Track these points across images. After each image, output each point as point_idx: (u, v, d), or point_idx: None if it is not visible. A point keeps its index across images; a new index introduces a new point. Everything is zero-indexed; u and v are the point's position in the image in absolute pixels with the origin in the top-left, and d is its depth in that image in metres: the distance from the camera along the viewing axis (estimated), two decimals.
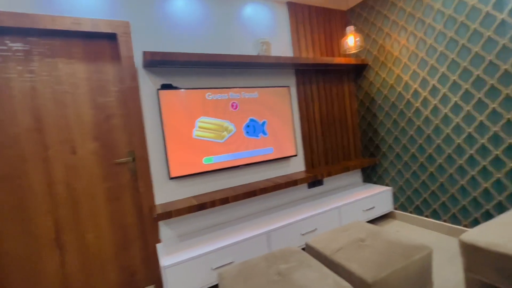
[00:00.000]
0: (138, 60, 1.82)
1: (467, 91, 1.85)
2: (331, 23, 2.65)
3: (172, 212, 1.65)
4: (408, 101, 2.24)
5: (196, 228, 1.98)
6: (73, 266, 1.67)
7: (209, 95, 1.96)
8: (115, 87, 1.80)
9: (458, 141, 1.94)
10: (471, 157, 1.89)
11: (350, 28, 2.45)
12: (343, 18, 2.73)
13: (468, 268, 1.19)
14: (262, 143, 2.18)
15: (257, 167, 2.25)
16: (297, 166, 2.46)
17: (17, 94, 1.56)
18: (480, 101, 1.79)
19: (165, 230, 1.87)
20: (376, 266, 1.11)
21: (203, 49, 2.04)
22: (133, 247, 1.83)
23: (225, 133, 2.03)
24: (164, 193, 1.88)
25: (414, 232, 2.23)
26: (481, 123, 1.80)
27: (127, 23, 1.77)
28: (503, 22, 1.63)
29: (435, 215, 2.19)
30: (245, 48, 2.21)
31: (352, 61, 2.49)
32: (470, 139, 1.88)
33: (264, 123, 2.19)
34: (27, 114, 1.58)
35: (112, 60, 1.80)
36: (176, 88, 1.86)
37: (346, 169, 2.41)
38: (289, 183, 2.07)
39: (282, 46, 2.39)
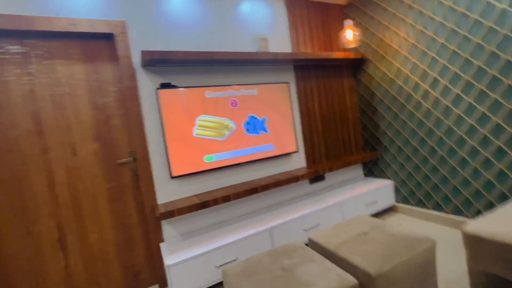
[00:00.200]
0: (136, 60, 1.81)
1: (468, 83, 1.84)
2: (329, 17, 2.63)
3: (175, 211, 1.65)
4: (409, 94, 2.23)
5: (199, 227, 1.98)
6: (77, 267, 1.67)
7: (209, 93, 1.96)
8: (114, 87, 1.80)
9: (460, 132, 1.93)
10: (473, 148, 1.88)
11: (348, 22, 2.44)
12: (341, 12, 2.71)
13: (472, 259, 1.19)
14: (263, 140, 2.18)
15: (258, 164, 2.25)
16: (298, 162, 2.46)
17: (16, 97, 1.56)
18: (481, 92, 1.78)
19: (168, 229, 1.87)
20: (380, 259, 1.11)
21: (201, 47, 2.03)
22: (136, 246, 1.84)
23: (225, 131, 2.02)
24: (166, 193, 1.88)
25: (417, 225, 2.23)
26: (483, 114, 1.79)
27: (124, 22, 1.76)
28: (504, 12, 1.61)
29: (437, 207, 2.19)
30: (244, 45, 2.20)
31: (351, 55, 2.47)
32: (471, 130, 1.87)
33: (264, 120, 2.19)
34: (26, 116, 1.58)
35: (110, 60, 1.79)
36: (175, 87, 1.86)
37: (348, 164, 2.41)
38: (291, 179, 2.07)
39: (280, 42, 2.37)
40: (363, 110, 2.71)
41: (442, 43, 1.93)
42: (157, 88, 1.79)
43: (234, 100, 2.05)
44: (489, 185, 1.84)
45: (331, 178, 2.63)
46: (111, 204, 1.77)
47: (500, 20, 1.63)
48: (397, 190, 2.51)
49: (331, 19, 2.64)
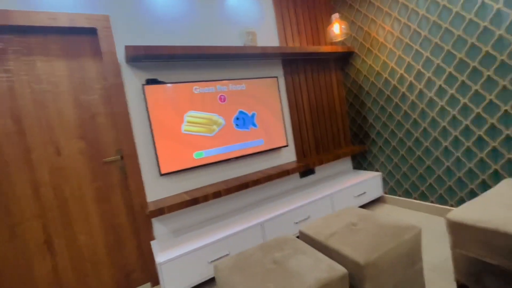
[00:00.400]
0: (121, 55, 1.76)
1: (450, 75, 1.89)
2: (316, 11, 2.63)
3: (165, 209, 1.64)
4: (395, 87, 2.27)
5: (190, 223, 1.98)
6: (65, 269, 1.64)
7: (196, 88, 1.93)
8: (98, 84, 1.75)
9: (443, 123, 1.99)
10: (455, 138, 1.94)
11: (335, 16, 2.45)
12: (328, 6, 2.71)
13: (455, 245, 1.24)
14: (253, 135, 2.18)
15: (248, 160, 2.25)
16: (289, 156, 2.48)
17: None
18: (463, 83, 1.83)
19: (159, 227, 1.86)
20: (368, 248, 1.13)
21: (187, 42, 1.99)
22: (127, 246, 1.82)
23: (214, 126, 2.01)
24: (156, 190, 1.86)
25: (404, 214, 2.30)
26: (464, 105, 1.85)
27: (107, 17, 1.71)
28: (483, 4, 1.65)
29: (423, 196, 2.26)
30: (231, 39, 2.18)
31: (339, 49, 2.49)
32: (454, 121, 1.93)
33: (253, 115, 2.19)
34: (5, 116, 1.52)
35: (93, 56, 1.74)
36: (162, 82, 1.82)
37: (337, 157, 2.44)
38: (281, 173, 2.08)
39: (268, 36, 2.36)
40: (351, 104, 2.75)
41: (425, 36, 1.97)
42: (143, 84, 1.75)
43: (223, 95, 2.04)
44: (470, 174, 1.91)
45: (321, 171, 2.66)
46: (99, 203, 1.74)
47: (480, 13, 1.67)
48: (384, 181, 2.57)
49: (318, 13, 2.65)
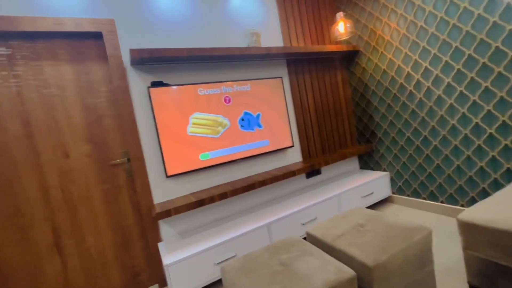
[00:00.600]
0: (127, 59, 1.78)
1: (459, 71, 1.84)
2: (320, 10, 2.61)
3: (171, 211, 1.64)
4: (402, 85, 2.24)
5: (197, 225, 1.98)
6: (75, 270, 1.66)
7: (201, 90, 1.94)
8: (104, 87, 1.77)
9: (453, 122, 1.95)
10: (465, 137, 1.90)
11: (340, 14, 2.42)
12: (332, 5, 2.69)
13: (467, 246, 1.20)
14: (258, 136, 2.17)
15: (254, 161, 2.24)
16: (294, 157, 2.46)
17: (3, 100, 1.52)
18: (472, 80, 1.79)
19: (166, 228, 1.86)
20: (377, 250, 1.11)
21: (192, 44, 2.00)
22: (134, 247, 1.83)
23: (220, 128, 2.01)
24: (162, 192, 1.87)
25: (413, 215, 2.26)
26: (474, 102, 1.81)
27: (112, 20, 1.72)
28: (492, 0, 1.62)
29: (432, 196, 2.21)
30: (235, 40, 2.18)
31: (344, 48, 2.46)
32: (464, 119, 1.88)
33: (258, 115, 2.18)
34: (15, 120, 1.54)
35: (99, 59, 1.76)
36: (167, 85, 1.83)
37: (343, 157, 2.42)
38: (287, 174, 2.07)
39: (272, 37, 2.36)
40: (357, 103, 2.72)
41: (432, 33, 1.94)
42: (149, 87, 1.76)
43: (228, 97, 2.04)
44: (482, 173, 1.86)
45: (327, 171, 2.64)
46: (106, 205, 1.75)
47: (489, 7, 1.63)
48: (392, 181, 2.53)
49: (322, 12, 2.63)
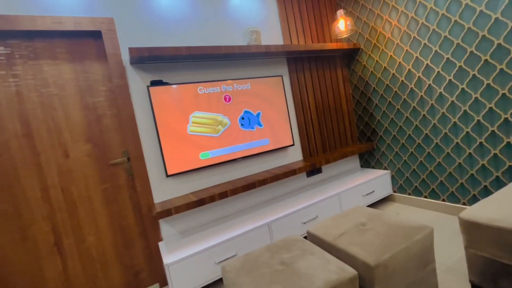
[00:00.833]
0: (126, 57, 1.77)
1: (461, 69, 1.83)
2: (321, 7, 2.60)
3: (172, 210, 1.64)
4: (402, 83, 2.22)
5: (198, 224, 1.97)
6: (75, 269, 1.66)
7: (201, 89, 1.93)
8: (104, 86, 1.76)
9: (454, 119, 1.94)
10: (467, 134, 1.89)
11: (340, 12, 2.41)
12: (333, 2, 2.67)
13: (469, 245, 1.20)
14: (258, 134, 2.16)
15: (254, 159, 2.24)
16: (295, 155, 2.45)
17: (2, 100, 1.51)
18: (474, 78, 1.78)
19: (166, 227, 1.86)
20: (378, 249, 1.11)
21: (191, 42, 1.99)
22: (135, 246, 1.82)
23: (220, 127, 2.00)
24: (162, 191, 1.86)
25: (414, 213, 2.25)
26: (476, 100, 1.79)
27: (111, 19, 1.71)
28: None
29: (434, 195, 2.20)
30: (235, 38, 2.17)
31: (344, 45, 2.45)
32: (465, 117, 1.87)
33: (258, 114, 2.17)
34: (14, 120, 1.54)
35: (98, 58, 1.75)
36: (166, 83, 1.82)
37: (344, 156, 2.41)
38: (288, 173, 2.06)
39: (272, 35, 2.34)
40: (358, 101, 2.70)
41: (433, 30, 1.92)
42: (148, 86, 1.75)
43: (228, 95, 2.03)
44: (484, 170, 1.85)
45: (328, 170, 2.63)
46: (106, 205, 1.75)
47: (491, 4, 1.61)
48: (393, 180, 2.52)
49: (323, 9, 2.61)
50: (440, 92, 1.97)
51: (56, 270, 1.61)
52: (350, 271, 1.02)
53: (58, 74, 1.64)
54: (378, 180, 2.45)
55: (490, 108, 1.73)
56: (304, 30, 2.49)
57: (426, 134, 2.14)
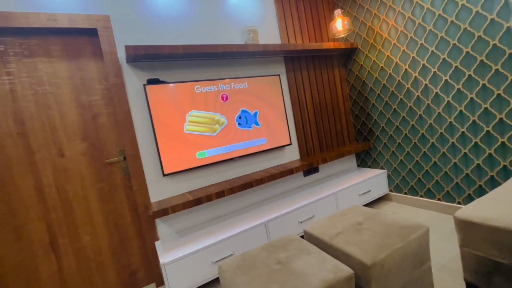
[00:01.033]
0: (122, 56, 1.75)
1: (456, 69, 1.84)
2: (318, 7, 2.60)
3: (168, 209, 1.63)
4: (399, 83, 2.23)
5: (194, 223, 1.97)
6: (70, 269, 1.64)
7: (198, 88, 1.92)
8: (100, 84, 1.75)
9: (450, 119, 1.95)
10: (462, 134, 1.90)
11: (338, 12, 2.41)
12: (330, 1, 2.68)
13: (464, 244, 1.21)
14: (255, 134, 2.16)
15: (251, 159, 2.23)
16: (292, 155, 2.45)
17: None
18: (470, 78, 1.79)
19: (163, 227, 1.85)
20: (375, 248, 1.11)
21: (188, 41, 1.98)
22: (131, 246, 1.81)
23: (217, 126, 1.99)
24: (159, 190, 1.85)
25: (410, 213, 2.26)
26: (472, 100, 1.81)
27: (107, 17, 1.70)
28: None
29: (429, 194, 2.22)
30: (232, 37, 2.16)
31: (341, 45, 2.45)
32: (461, 117, 1.89)
33: (256, 113, 2.16)
34: (8, 118, 1.52)
35: (94, 56, 1.73)
36: (163, 82, 1.81)
37: (341, 155, 2.41)
38: (285, 172, 2.06)
39: (269, 34, 2.34)
40: (355, 100, 2.71)
41: (430, 30, 1.93)
42: (145, 84, 1.74)
43: (225, 94, 2.02)
44: (479, 170, 1.87)
45: (325, 169, 2.64)
46: (102, 204, 1.74)
47: (487, 5, 1.63)
48: (389, 179, 2.54)
49: (320, 9, 2.61)
50: (436, 92, 1.99)
51: (51, 270, 1.60)
52: (347, 270, 1.02)
53: (53, 72, 1.62)
54: (375, 180, 2.46)
55: (486, 108, 1.75)
56: (301, 29, 2.49)
57: (422, 133, 2.15)
